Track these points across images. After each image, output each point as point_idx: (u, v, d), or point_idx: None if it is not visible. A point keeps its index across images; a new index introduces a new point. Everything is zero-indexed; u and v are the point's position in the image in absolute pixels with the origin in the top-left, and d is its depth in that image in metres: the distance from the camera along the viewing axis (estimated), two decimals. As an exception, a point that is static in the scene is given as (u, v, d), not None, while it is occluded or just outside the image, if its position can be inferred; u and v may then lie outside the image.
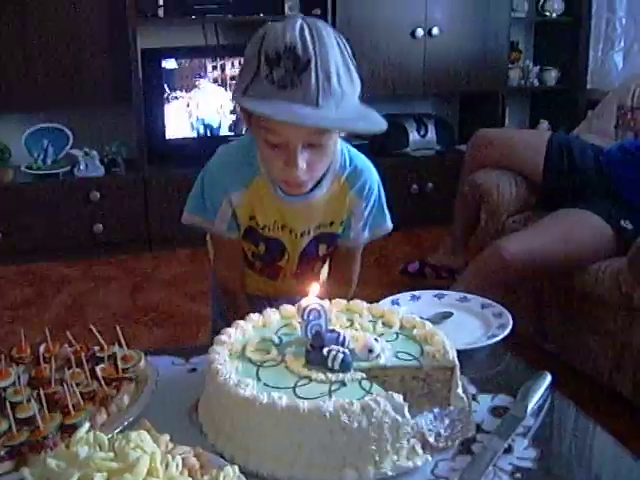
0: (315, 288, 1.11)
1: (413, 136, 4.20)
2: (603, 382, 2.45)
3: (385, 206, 1.56)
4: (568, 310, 2.58)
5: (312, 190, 1.41)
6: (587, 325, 2.49)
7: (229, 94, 3.83)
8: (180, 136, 3.90)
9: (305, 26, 1.23)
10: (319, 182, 1.41)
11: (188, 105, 3.87)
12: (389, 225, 1.58)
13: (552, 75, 4.44)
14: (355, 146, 1.51)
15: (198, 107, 3.88)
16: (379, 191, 1.53)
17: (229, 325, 1.15)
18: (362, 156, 1.51)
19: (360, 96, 1.30)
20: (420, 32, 4.03)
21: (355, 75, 1.27)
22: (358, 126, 1.32)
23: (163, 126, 3.85)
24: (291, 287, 1.58)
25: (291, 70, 1.20)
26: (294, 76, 1.20)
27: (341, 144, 1.44)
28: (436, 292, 1.50)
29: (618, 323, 2.37)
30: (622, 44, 4.20)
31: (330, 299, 1.18)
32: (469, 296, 1.47)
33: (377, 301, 1.38)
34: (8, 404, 1.02)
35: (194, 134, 3.91)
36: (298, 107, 1.20)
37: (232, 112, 3.85)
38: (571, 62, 4.39)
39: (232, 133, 3.89)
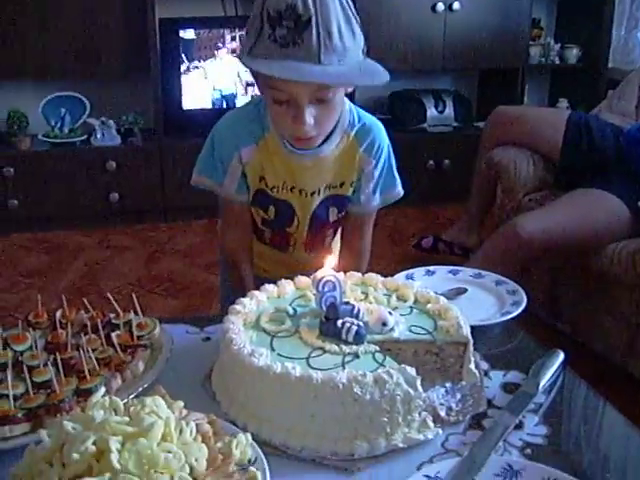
0: (331, 260, 1.11)
1: (431, 112, 4.17)
2: (616, 363, 2.45)
3: (395, 170, 1.56)
4: (583, 290, 2.57)
5: (321, 145, 1.42)
6: (602, 305, 2.49)
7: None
8: (197, 107, 3.89)
9: None
10: (328, 138, 1.42)
11: (205, 76, 3.86)
12: (400, 190, 1.58)
13: (573, 53, 4.38)
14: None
15: (215, 78, 3.87)
16: (389, 152, 1.53)
17: (235, 296, 1.16)
18: (371, 116, 1.51)
19: (364, 50, 1.31)
20: (441, 6, 3.98)
21: (357, 30, 1.28)
22: (360, 80, 1.35)
23: (180, 96, 3.84)
24: (302, 261, 1.58)
25: (292, 28, 1.21)
26: (295, 34, 1.22)
27: (349, 103, 1.46)
28: (451, 268, 1.50)
29: (633, 304, 2.36)
30: (646, 23, 4.14)
31: (343, 272, 1.18)
32: (484, 273, 1.47)
33: (390, 275, 1.38)
34: (25, 368, 1.04)
35: (211, 105, 3.90)
36: (301, 64, 1.22)
37: (249, 84, 3.84)
38: (593, 40, 4.32)
39: (249, 105, 3.87)
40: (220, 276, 1.89)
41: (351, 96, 1.47)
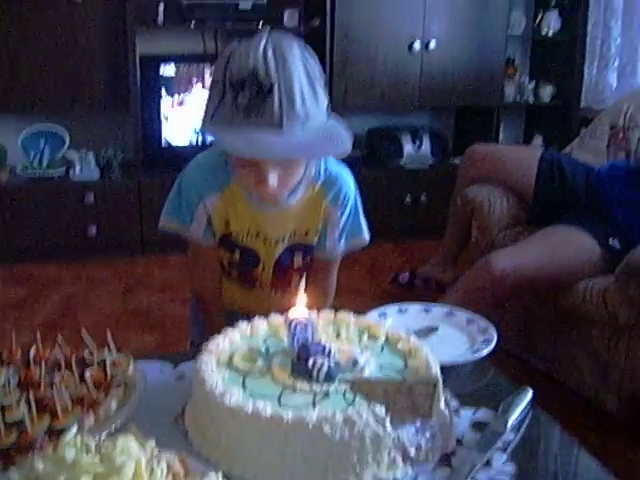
0: (302, 299, 1.13)
1: (407, 148, 4.23)
2: (590, 398, 2.47)
3: (362, 216, 1.56)
4: (556, 326, 2.61)
5: (286, 197, 1.43)
6: (574, 341, 2.52)
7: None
8: (176, 142, 3.92)
9: (270, 47, 1.23)
10: (293, 190, 1.43)
11: (184, 111, 3.89)
12: (366, 236, 1.58)
13: (547, 91, 4.48)
14: (351, 156, 1.51)
15: (195, 113, 3.90)
16: (355, 200, 1.53)
17: (204, 335, 1.16)
18: (339, 164, 1.51)
19: (328, 108, 1.31)
20: (417, 45, 4.07)
21: (321, 94, 1.28)
22: (322, 151, 1.33)
23: (159, 131, 3.88)
24: (270, 297, 1.60)
25: (254, 96, 1.21)
26: (257, 102, 1.22)
27: None
28: (423, 306, 1.52)
29: (604, 340, 2.39)
30: (616, 64, 4.24)
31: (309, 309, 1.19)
32: (455, 311, 1.49)
33: (366, 310, 1.41)
34: (-2, 406, 1.04)
35: (190, 140, 3.93)
36: (262, 134, 1.22)
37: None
38: (566, 79, 4.43)
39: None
40: (190, 313, 1.90)
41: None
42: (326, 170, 1.48)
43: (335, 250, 1.56)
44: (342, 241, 1.55)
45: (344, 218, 1.52)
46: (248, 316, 1.44)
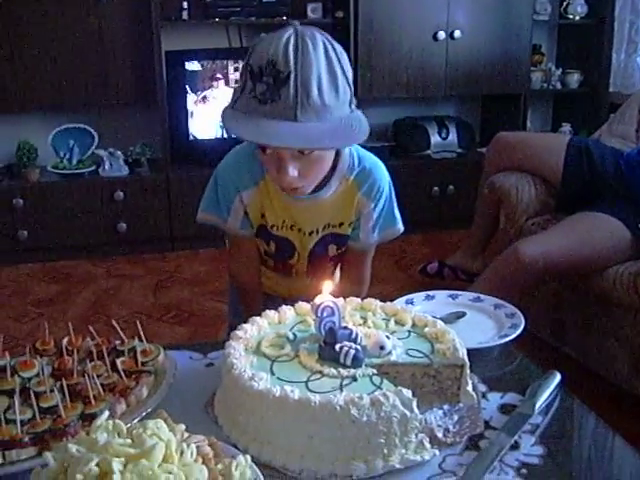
0: (328, 285, 1.14)
1: (434, 138, 4.22)
2: (621, 385, 2.45)
3: (396, 207, 1.57)
4: (586, 313, 2.59)
5: (319, 190, 1.44)
6: (604, 328, 2.50)
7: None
8: (203, 137, 3.95)
9: (292, 38, 1.22)
10: (326, 183, 1.44)
11: (210, 106, 3.91)
12: (400, 227, 1.59)
13: (574, 78, 4.43)
14: (378, 147, 1.50)
15: (219, 108, 3.92)
16: (390, 192, 1.54)
17: (245, 323, 1.19)
18: (372, 157, 1.52)
19: (353, 102, 1.29)
20: (442, 35, 4.04)
21: (343, 86, 1.26)
22: (333, 143, 1.30)
23: (186, 127, 3.91)
24: (305, 285, 1.61)
25: (271, 84, 1.21)
26: (273, 90, 1.21)
27: (351, 147, 1.46)
28: (450, 292, 1.52)
29: (635, 327, 2.37)
30: (645, 47, 4.18)
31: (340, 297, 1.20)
32: (482, 296, 1.49)
33: (395, 299, 1.41)
34: (32, 394, 1.06)
35: (217, 134, 3.96)
36: (277, 123, 1.21)
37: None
38: (594, 65, 4.38)
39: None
40: (229, 306, 1.93)
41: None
42: (360, 163, 1.48)
43: (368, 241, 1.57)
44: (375, 232, 1.56)
45: (377, 210, 1.52)
46: (286, 300, 1.50)
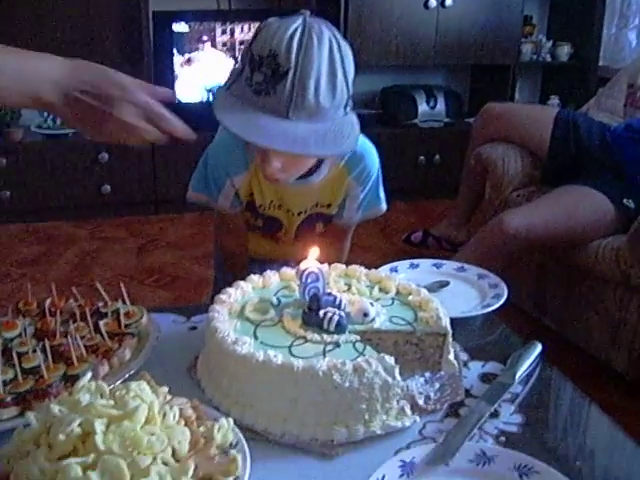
0: (314, 252, 1.14)
1: (422, 107, 4.20)
2: (599, 357, 2.48)
3: (381, 188, 1.59)
4: (568, 285, 2.61)
5: (309, 175, 1.44)
6: (586, 301, 2.52)
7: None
8: (189, 100, 3.90)
9: (299, 32, 1.18)
10: (317, 169, 1.44)
11: (196, 69, 3.87)
12: (383, 206, 1.61)
13: (565, 51, 4.42)
14: (365, 115, 1.50)
15: (208, 70, 3.89)
16: (377, 175, 1.55)
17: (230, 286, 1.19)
18: (365, 141, 1.49)
19: (349, 104, 1.27)
20: (433, 2, 4.01)
21: (342, 88, 1.23)
22: (320, 151, 1.26)
23: (173, 89, 3.85)
24: (291, 249, 1.63)
25: (269, 77, 1.18)
26: (270, 84, 1.18)
27: None
28: (435, 261, 1.53)
29: (616, 300, 2.40)
30: (636, 21, 4.18)
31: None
32: (466, 266, 1.50)
33: (379, 267, 1.42)
34: (15, 354, 1.06)
35: (204, 98, 3.92)
36: (267, 119, 1.18)
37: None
38: (584, 38, 4.37)
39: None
40: (214, 269, 1.94)
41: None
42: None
43: (352, 219, 1.60)
44: (359, 212, 1.58)
45: (364, 192, 1.54)
46: (270, 262, 1.55)
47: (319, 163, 1.43)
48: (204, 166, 1.54)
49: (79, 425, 0.78)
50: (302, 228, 1.60)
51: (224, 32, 3.85)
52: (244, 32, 3.84)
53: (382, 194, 1.60)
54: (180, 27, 3.84)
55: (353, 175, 1.50)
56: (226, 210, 1.57)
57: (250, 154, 1.44)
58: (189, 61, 3.85)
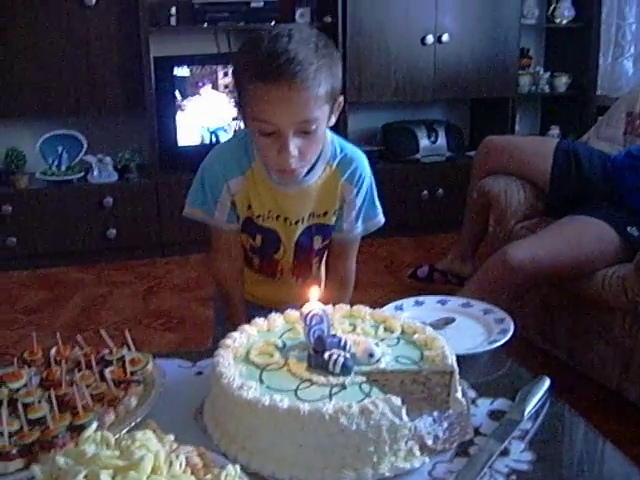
0: (315, 292, 1.14)
1: (423, 142, 4.22)
2: (611, 388, 2.46)
3: (377, 198, 1.62)
4: (576, 316, 2.59)
5: (305, 176, 1.49)
6: (594, 331, 2.51)
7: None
8: (192, 143, 3.94)
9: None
10: (312, 169, 1.49)
11: (199, 111, 3.91)
12: (381, 218, 1.63)
13: (562, 81, 4.46)
14: (367, 151, 1.57)
15: (209, 113, 3.93)
16: (370, 182, 1.59)
17: (227, 329, 1.19)
18: (352, 146, 1.58)
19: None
20: (430, 39, 4.06)
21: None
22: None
23: (175, 133, 3.90)
24: (291, 286, 1.66)
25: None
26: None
27: (331, 135, 1.52)
28: (439, 298, 1.53)
29: (625, 329, 2.38)
30: (632, 50, 4.21)
31: (329, 299, 1.22)
32: (472, 302, 1.49)
33: (385, 304, 1.42)
34: (20, 405, 1.06)
35: (206, 140, 3.95)
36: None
37: (234, 119, 3.91)
38: (581, 68, 4.41)
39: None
40: (214, 312, 1.93)
41: (338, 128, 1.52)
42: (342, 151, 1.54)
43: (352, 231, 1.61)
44: (359, 222, 1.60)
45: (360, 198, 1.57)
46: (270, 309, 1.48)
47: (313, 164, 1.48)
48: (200, 177, 1.57)
49: (85, 477, 0.78)
50: (300, 244, 1.61)
51: (226, 74, 3.89)
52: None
53: (378, 204, 1.62)
54: (181, 71, 3.88)
55: (346, 177, 1.54)
56: (222, 226, 1.57)
57: (248, 159, 1.50)
58: (192, 105, 3.89)
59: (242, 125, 1.53)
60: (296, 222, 1.57)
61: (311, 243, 1.62)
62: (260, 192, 1.53)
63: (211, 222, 1.58)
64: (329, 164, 1.53)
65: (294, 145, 1.35)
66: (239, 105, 1.43)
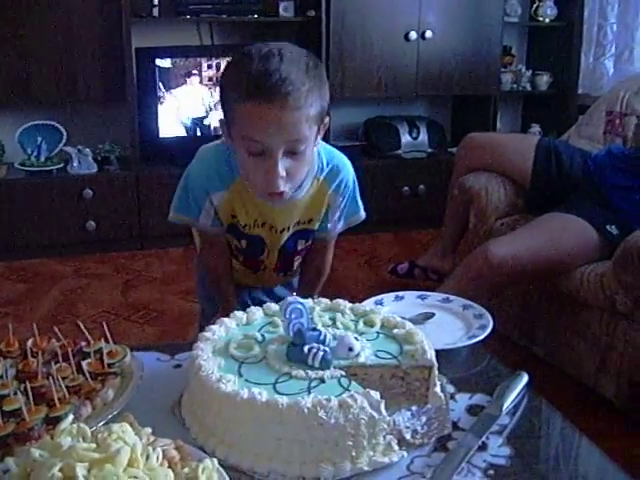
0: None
1: (405, 138, 4.23)
2: (588, 384, 2.48)
3: (359, 196, 1.63)
4: (554, 313, 2.61)
5: (294, 192, 1.46)
6: (573, 328, 2.52)
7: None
8: (173, 134, 3.92)
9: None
10: (301, 184, 1.47)
11: (181, 104, 3.89)
12: (362, 214, 1.66)
13: (544, 80, 4.48)
14: (349, 146, 1.56)
15: (191, 106, 3.90)
16: (354, 184, 1.60)
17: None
18: (337, 153, 1.58)
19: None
20: (413, 35, 4.06)
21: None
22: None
23: (156, 124, 3.87)
24: (272, 278, 1.71)
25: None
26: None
27: (318, 147, 1.49)
28: (419, 293, 1.53)
29: (602, 326, 2.40)
30: (613, 50, 4.24)
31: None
32: (451, 297, 1.50)
33: (365, 299, 1.42)
34: (-5, 397, 1.05)
35: (186, 133, 3.93)
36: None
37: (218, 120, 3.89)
38: (563, 67, 4.44)
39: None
40: (199, 303, 1.96)
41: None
42: (328, 164, 1.54)
43: (334, 230, 1.64)
44: (341, 221, 1.63)
45: (343, 203, 1.59)
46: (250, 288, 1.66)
47: (301, 180, 1.46)
48: (184, 187, 1.56)
49: (60, 470, 0.77)
50: (285, 249, 1.63)
51: (209, 67, 3.87)
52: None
53: (360, 201, 1.64)
54: (163, 63, 3.86)
55: (333, 188, 1.55)
56: (207, 229, 1.59)
57: (232, 174, 1.48)
58: (173, 97, 3.87)
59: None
60: (282, 231, 1.58)
61: (295, 246, 1.64)
62: (245, 204, 1.53)
63: (196, 225, 1.61)
64: (317, 177, 1.53)
65: (282, 166, 1.33)
66: (224, 123, 1.40)
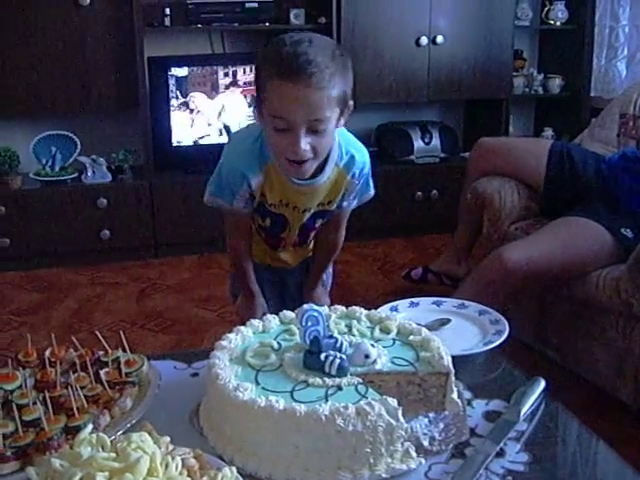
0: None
1: (417, 143, 4.22)
2: (605, 389, 2.47)
3: (370, 176, 1.76)
4: (570, 317, 2.60)
5: (316, 177, 1.60)
6: (588, 332, 2.51)
7: (234, 101, 3.90)
8: (186, 143, 3.93)
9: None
10: (322, 170, 1.60)
11: (193, 112, 3.91)
12: (372, 192, 1.79)
13: (556, 83, 4.47)
14: None
15: (203, 114, 3.92)
16: (369, 169, 1.73)
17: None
18: (355, 142, 1.70)
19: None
20: (424, 40, 4.06)
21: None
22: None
23: (169, 133, 3.89)
24: (288, 254, 1.87)
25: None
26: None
27: (339, 138, 1.62)
28: (435, 299, 1.53)
29: (619, 330, 2.38)
30: (625, 52, 4.22)
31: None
32: (467, 303, 1.50)
33: (379, 305, 1.42)
34: (15, 407, 1.05)
35: (199, 141, 3.94)
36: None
37: (225, 128, 3.92)
38: (575, 70, 4.42)
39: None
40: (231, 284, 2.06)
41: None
42: (347, 152, 1.66)
43: (348, 207, 1.78)
44: (355, 200, 1.76)
45: (360, 185, 1.73)
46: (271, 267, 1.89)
47: (323, 165, 1.59)
48: (219, 175, 1.68)
49: (80, 479, 0.77)
50: (305, 226, 1.77)
51: (226, 75, 3.89)
52: (239, 76, 3.89)
53: (371, 181, 1.77)
54: (175, 72, 3.87)
55: (352, 174, 1.68)
56: (239, 211, 1.70)
57: (266, 155, 1.60)
58: (186, 105, 3.89)
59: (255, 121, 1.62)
60: (304, 211, 1.71)
61: (314, 224, 1.78)
62: (274, 186, 1.65)
63: (230, 209, 1.71)
64: (337, 165, 1.64)
65: (305, 140, 1.45)
66: (257, 101, 1.52)
